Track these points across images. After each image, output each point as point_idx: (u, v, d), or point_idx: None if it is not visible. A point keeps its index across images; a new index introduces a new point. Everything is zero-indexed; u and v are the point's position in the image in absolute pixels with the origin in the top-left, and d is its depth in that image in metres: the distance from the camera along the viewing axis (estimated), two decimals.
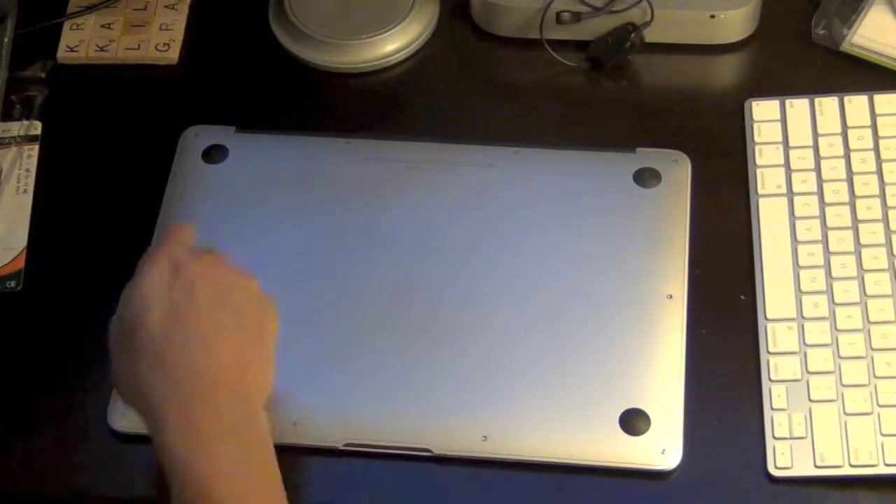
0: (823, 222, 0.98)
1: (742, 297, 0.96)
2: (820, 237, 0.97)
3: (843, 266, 0.95)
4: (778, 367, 0.92)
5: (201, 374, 0.79)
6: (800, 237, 0.97)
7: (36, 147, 1.07)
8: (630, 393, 0.91)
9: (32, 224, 1.03)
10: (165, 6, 1.15)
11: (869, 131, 1.01)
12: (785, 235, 0.97)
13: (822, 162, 1.01)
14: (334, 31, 1.10)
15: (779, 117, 1.04)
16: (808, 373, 0.91)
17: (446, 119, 1.07)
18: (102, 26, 1.14)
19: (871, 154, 1.00)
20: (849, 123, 1.02)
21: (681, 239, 0.98)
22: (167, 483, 0.77)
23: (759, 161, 1.02)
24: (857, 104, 1.03)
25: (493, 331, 0.94)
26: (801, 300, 0.94)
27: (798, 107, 1.04)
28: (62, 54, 1.12)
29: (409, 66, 1.11)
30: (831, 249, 0.96)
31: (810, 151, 1.01)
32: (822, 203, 0.99)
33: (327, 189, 1.02)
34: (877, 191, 0.99)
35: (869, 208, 0.98)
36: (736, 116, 1.05)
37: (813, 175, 1.00)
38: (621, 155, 1.02)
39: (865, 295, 0.94)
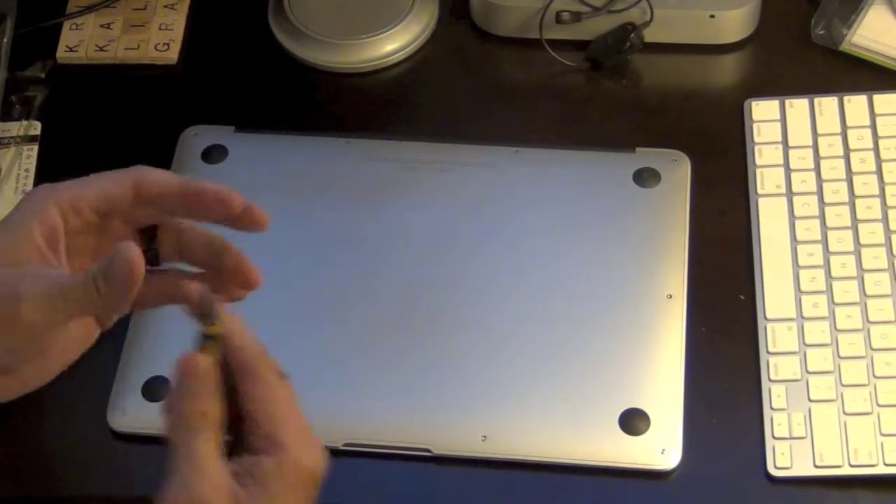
0: (823, 222, 0.98)
1: (742, 297, 0.96)
2: (819, 237, 0.97)
3: (843, 266, 0.95)
4: (778, 366, 0.92)
5: None
6: (799, 237, 0.97)
7: (35, 147, 1.07)
8: (630, 393, 0.91)
9: None
10: (165, 6, 1.15)
11: (868, 131, 1.01)
12: (784, 235, 0.97)
13: (822, 162, 1.01)
14: (334, 31, 1.10)
15: (778, 117, 1.04)
16: (808, 373, 0.91)
17: (446, 119, 1.07)
18: (102, 26, 1.14)
19: (871, 154, 1.00)
20: (848, 123, 1.02)
21: (681, 239, 0.98)
22: None
23: (758, 161, 1.02)
24: (856, 104, 1.03)
25: (493, 330, 0.94)
26: (800, 300, 0.94)
27: (798, 107, 1.04)
28: (62, 54, 1.12)
29: (409, 66, 1.11)
30: (831, 249, 0.96)
31: (810, 151, 1.01)
32: (822, 203, 0.99)
33: (327, 189, 1.02)
34: (876, 191, 0.99)
35: (868, 208, 0.98)
36: (735, 116, 1.05)
37: (812, 175, 1.00)
38: (621, 155, 1.02)
39: (865, 295, 0.94)
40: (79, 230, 0.72)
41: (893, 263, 0.95)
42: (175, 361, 0.67)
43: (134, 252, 0.67)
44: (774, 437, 0.89)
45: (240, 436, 0.68)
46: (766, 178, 1.01)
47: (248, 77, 1.11)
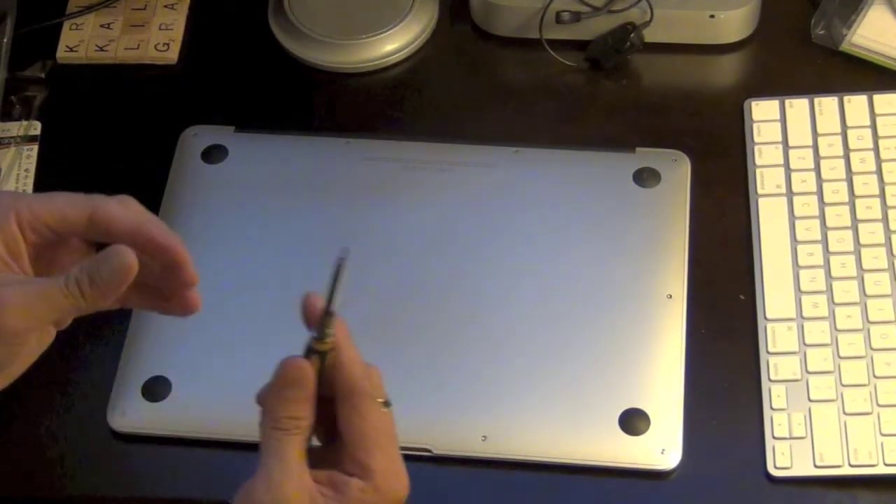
0: (823, 222, 0.98)
1: (742, 297, 0.96)
2: (819, 237, 0.97)
3: (843, 266, 0.95)
4: (778, 366, 0.92)
5: None
6: (799, 237, 0.97)
7: (35, 147, 1.07)
8: (630, 393, 0.91)
9: None
10: (165, 6, 1.15)
11: (868, 131, 1.02)
12: (784, 235, 0.98)
13: (822, 162, 1.01)
14: (334, 31, 1.10)
15: (778, 117, 1.04)
16: (808, 373, 0.91)
17: (446, 119, 1.07)
18: (102, 26, 1.14)
19: (871, 154, 1.00)
20: (848, 123, 1.02)
21: (681, 239, 0.98)
22: None
23: (758, 161, 1.02)
24: (856, 104, 1.03)
25: (493, 330, 0.94)
26: (800, 300, 0.94)
27: (798, 107, 1.04)
28: (62, 54, 1.12)
29: (409, 66, 1.11)
30: (831, 249, 0.96)
31: (810, 151, 1.01)
32: (822, 203, 0.99)
33: (327, 189, 1.02)
34: (876, 191, 0.99)
35: (869, 208, 0.98)
36: (735, 116, 1.05)
37: (812, 175, 1.00)
38: (621, 155, 1.02)
39: (865, 295, 0.94)
40: (35, 243, 0.73)
41: (893, 263, 0.95)
42: (279, 362, 0.70)
43: (131, 256, 0.69)
44: (774, 437, 0.89)
45: (330, 447, 0.71)
46: (766, 178, 1.01)
47: (248, 77, 1.11)
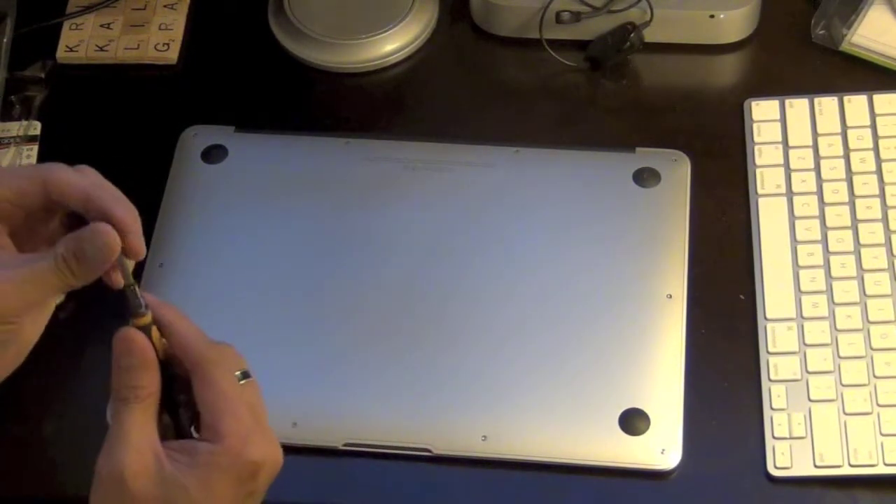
0: (823, 222, 0.98)
1: (742, 297, 0.96)
2: (819, 237, 0.97)
3: (843, 266, 0.95)
4: (778, 366, 0.92)
5: None
6: (799, 237, 0.97)
7: (35, 147, 1.07)
8: (630, 393, 0.91)
9: None
10: (165, 6, 1.15)
11: (868, 131, 1.02)
12: (784, 235, 0.98)
13: (822, 162, 1.01)
14: (334, 31, 1.10)
15: (778, 117, 1.04)
16: (808, 373, 0.91)
17: (446, 119, 1.07)
18: (102, 26, 1.14)
19: (871, 154, 1.00)
20: (848, 123, 1.02)
21: (681, 239, 0.98)
22: None
23: (758, 161, 1.02)
24: (856, 104, 1.03)
25: (493, 330, 0.94)
26: (800, 300, 0.94)
27: (798, 107, 1.04)
28: (62, 54, 1.12)
29: (409, 66, 1.11)
30: (831, 249, 0.96)
31: (810, 151, 1.01)
32: (822, 203, 0.99)
33: (327, 189, 1.02)
34: (876, 190, 0.99)
35: (868, 208, 0.98)
36: (736, 116, 1.05)
37: (812, 175, 1.00)
38: (621, 155, 1.02)
39: (865, 295, 0.94)
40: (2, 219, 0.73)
41: (893, 263, 0.95)
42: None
43: (112, 235, 0.69)
44: (774, 437, 0.89)
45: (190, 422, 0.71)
46: (766, 178, 1.01)
47: (248, 77, 1.11)
